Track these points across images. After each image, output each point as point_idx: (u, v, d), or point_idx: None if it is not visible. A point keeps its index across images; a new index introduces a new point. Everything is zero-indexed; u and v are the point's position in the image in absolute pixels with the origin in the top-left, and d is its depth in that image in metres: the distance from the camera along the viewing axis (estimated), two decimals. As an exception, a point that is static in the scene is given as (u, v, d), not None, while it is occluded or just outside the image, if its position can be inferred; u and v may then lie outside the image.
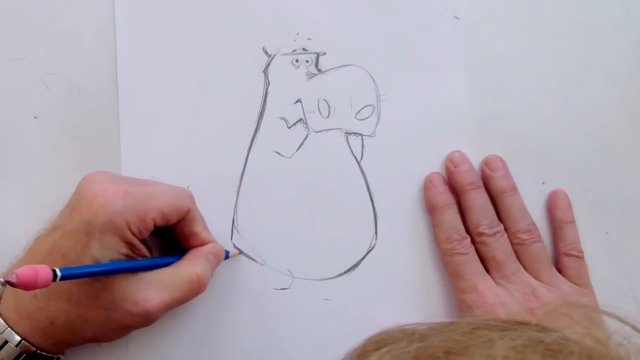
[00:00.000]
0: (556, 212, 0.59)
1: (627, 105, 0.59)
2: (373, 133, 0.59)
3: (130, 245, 0.52)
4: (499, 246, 0.57)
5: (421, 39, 0.59)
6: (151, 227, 0.53)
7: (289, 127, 0.60)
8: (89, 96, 0.59)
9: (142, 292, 0.51)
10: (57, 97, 0.59)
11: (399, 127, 0.59)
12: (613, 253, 0.59)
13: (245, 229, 0.60)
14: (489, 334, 0.33)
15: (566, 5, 0.59)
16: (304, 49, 0.59)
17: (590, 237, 0.60)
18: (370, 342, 0.37)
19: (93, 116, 0.59)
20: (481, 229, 0.57)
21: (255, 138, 0.59)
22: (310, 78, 0.59)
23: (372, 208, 0.60)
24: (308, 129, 0.60)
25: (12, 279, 0.41)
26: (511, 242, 0.58)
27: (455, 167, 0.59)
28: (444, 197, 0.58)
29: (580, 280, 0.58)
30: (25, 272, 0.42)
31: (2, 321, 0.51)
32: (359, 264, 0.60)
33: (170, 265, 0.55)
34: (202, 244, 0.57)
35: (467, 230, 0.58)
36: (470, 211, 0.58)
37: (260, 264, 0.60)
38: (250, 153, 0.59)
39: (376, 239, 0.60)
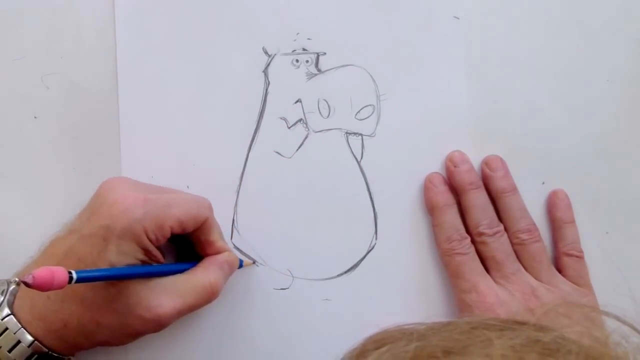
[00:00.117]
0: (556, 212, 0.59)
1: (627, 105, 0.59)
2: (373, 133, 0.59)
3: (146, 251, 0.52)
4: (499, 246, 0.57)
5: (421, 39, 0.59)
6: (168, 235, 0.53)
7: (289, 127, 0.60)
8: (89, 96, 0.59)
9: (156, 297, 0.52)
10: (57, 97, 0.60)
11: (399, 127, 0.59)
12: (613, 253, 0.59)
13: (245, 229, 0.60)
14: (487, 334, 0.33)
15: (566, 5, 0.59)
16: (304, 49, 0.59)
17: (590, 237, 0.59)
18: (369, 341, 0.37)
19: (93, 116, 0.60)
20: (481, 229, 0.57)
21: (255, 138, 0.60)
22: (310, 78, 0.59)
23: (372, 208, 0.60)
24: (308, 129, 0.60)
25: (29, 279, 0.42)
26: (511, 242, 0.58)
27: (455, 167, 0.59)
28: (444, 197, 0.58)
29: (580, 280, 0.58)
30: (42, 273, 0.42)
31: (16, 321, 0.51)
32: (359, 264, 0.60)
33: (185, 272, 0.55)
34: (217, 253, 0.57)
35: (467, 230, 0.58)
36: (470, 211, 0.58)
37: (261, 264, 0.60)
38: (250, 153, 0.60)
39: (376, 239, 0.60)
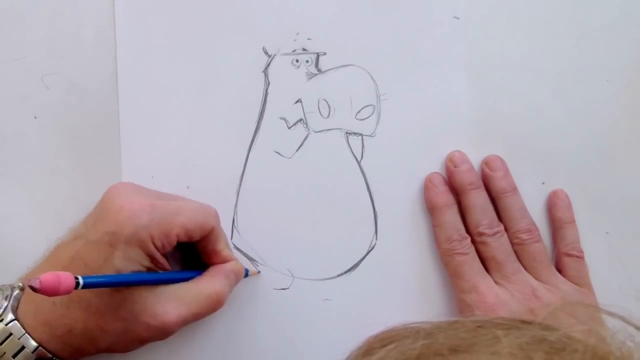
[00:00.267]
0: (556, 212, 0.59)
1: (627, 106, 0.59)
2: (373, 133, 0.60)
3: (152, 258, 0.52)
4: (499, 246, 0.57)
5: (421, 39, 0.59)
6: (174, 242, 0.53)
7: (289, 127, 0.60)
8: (89, 96, 0.59)
9: (161, 305, 0.52)
10: (57, 97, 0.59)
11: (399, 127, 0.59)
12: (613, 253, 0.59)
13: (245, 229, 0.60)
14: (494, 332, 0.33)
15: (566, 5, 0.59)
16: (304, 49, 0.59)
17: (590, 237, 0.60)
18: (376, 339, 0.37)
19: (93, 116, 0.59)
20: (481, 229, 0.57)
21: (255, 138, 0.59)
22: (310, 78, 0.59)
23: (372, 208, 0.60)
24: (308, 129, 0.60)
25: (35, 284, 0.41)
26: (511, 242, 0.58)
27: (455, 167, 0.59)
28: (444, 197, 0.58)
29: (580, 280, 0.58)
30: (49, 278, 0.42)
31: (20, 326, 0.51)
32: (359, 264, 0.60)
33: (190, 280, 0.55)
34: (223, 262, 0.57)
35: (467, 230, 0.58)
36: (470, 211, 0.58)
37: (261, 264, 0.60)
38: (250, 153, 0.59)
39: (376, 239, 0.60)
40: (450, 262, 0.58)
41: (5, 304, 0.51)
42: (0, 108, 0.59)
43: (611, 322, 0.37)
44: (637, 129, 0.60)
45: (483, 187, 0.59)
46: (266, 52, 0.59)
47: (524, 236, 0.58)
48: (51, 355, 0.51)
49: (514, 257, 0.58)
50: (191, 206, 0.55)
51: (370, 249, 0.60)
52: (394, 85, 0.59)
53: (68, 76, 0.59)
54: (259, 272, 0.60)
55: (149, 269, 0.52)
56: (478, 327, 0.35)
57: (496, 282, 0.57)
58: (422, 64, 0.60)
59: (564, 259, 0.59)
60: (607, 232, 0.60)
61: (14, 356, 0.50)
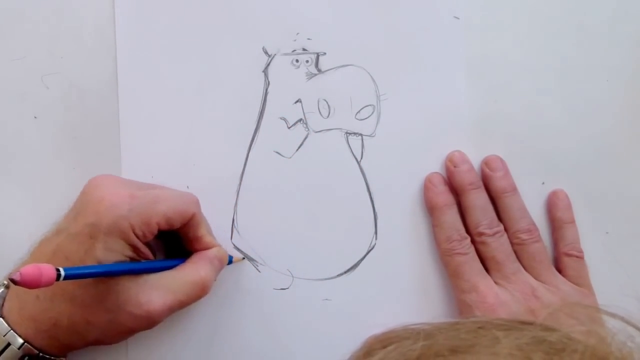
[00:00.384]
0: (556, 212, 0.59)
1: (627, 105, 0.59)
2: (373, 133, 0.59)
3: (134, 248, 0.52)
4: (499, 246, 0.57)
5: (421, 39, 0.59)
6: (155, 231, 0.53)
7: (289, 127, 0.60)
8: (89, 96, 0.59)
9: (145, 294, 0.51)
10: (57, 97, 0.59)
11: (399, 127, 0.59)
12: (613, 253, 0.59)
13: (245, 229, 0.60)
14: (494, 333, 0.33)
15: (566, 5, 0.59)
16: (304, 49, 0.59)
17: (590, 237, 0.59)
18: (375, 341, 0.37)
19: (93, 116, 0.59)
20: (481, 229, 0.57)
21: (255, 138, 0.59)
22: (310, 78, 0.59)
23: (372, 208, 0.60)
24: (308, 129, 0.60)
25: (16, 277, 0.41)
26: (511, 242, 0.58)
27: (455, 167, 0.59)
28: (444, 197, 0.58)
29: (580, 280, 0.58)
30: (29, 270, 0.42)
31: (5, 323, 0.51)
32: (359, 264, 0.60)
33: (174, 268, 0.55)
34: (206, 248, 0.57)
35: (467, 230, 0.58)
36: (470, 211, 0.58)
37: (260, 263, 0.60)
38: (250, 153, 0.59)
39: (376, 239, 0.60)
40: (450, 262, 0.58)
41: None
42: (0, 108, 0.59)
43: (611, 323, 0.37)
44: (637, 129, 0.60)
45: (483, 187, 0.59)
46: (266, 52, 0.59)
47: (524, 236, 0.58)
48: (37, 351, 0.51)
49: (513, 257, 0.58)
50: (171, 194, 0.55)
51: (370, 249, 0.60)
52: (394, 85, 0.59)
53: (68, 76, 0.59)
54: (244, 258, 0.60)
55: (132, 259, 0.52)
56: (478, 328, 0.35)
57: (496, 282, 0.57)
58: (422, 64, 0.60)
59: (563, 259, 0.59)
60: (607, 232, 0.60)
61: (0, 354, 0.50)
